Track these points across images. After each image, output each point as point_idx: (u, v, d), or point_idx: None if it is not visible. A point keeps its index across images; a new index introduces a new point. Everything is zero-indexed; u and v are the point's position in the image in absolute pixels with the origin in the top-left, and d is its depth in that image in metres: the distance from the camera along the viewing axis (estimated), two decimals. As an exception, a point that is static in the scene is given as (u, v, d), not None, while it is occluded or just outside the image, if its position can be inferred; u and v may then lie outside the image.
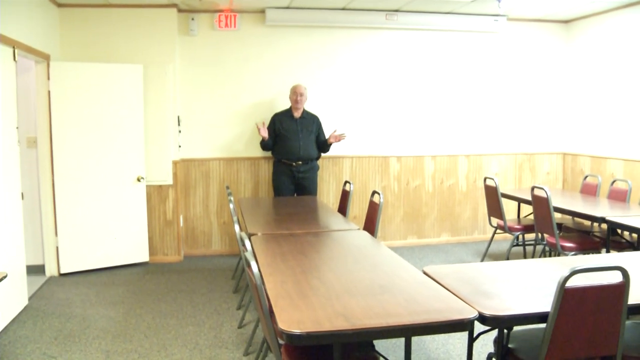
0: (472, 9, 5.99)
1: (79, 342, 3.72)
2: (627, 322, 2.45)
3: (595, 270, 2.18)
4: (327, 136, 5.73)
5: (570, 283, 2.08)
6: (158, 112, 5.63)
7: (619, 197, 5.04)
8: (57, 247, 5.24)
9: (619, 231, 4.55)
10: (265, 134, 5.54)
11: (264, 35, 6.03)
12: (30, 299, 4.56)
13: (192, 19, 5.82)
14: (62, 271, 5.26)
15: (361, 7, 5.92)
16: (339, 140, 5.66)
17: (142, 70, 5.48)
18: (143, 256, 5.66)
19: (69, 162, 5.22)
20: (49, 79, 5.08)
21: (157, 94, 5.61)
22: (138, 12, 5.57)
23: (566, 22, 6.68)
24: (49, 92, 5.10)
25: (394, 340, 3.71)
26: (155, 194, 5.74)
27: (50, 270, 5.26)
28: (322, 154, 5.87)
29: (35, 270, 5.17)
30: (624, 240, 4.63)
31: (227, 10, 5.85)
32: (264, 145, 5.68)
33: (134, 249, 5.60)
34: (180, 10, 5.78)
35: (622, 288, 2.15)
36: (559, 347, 2.15)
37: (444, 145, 6.53)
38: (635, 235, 4.38)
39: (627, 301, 2.16)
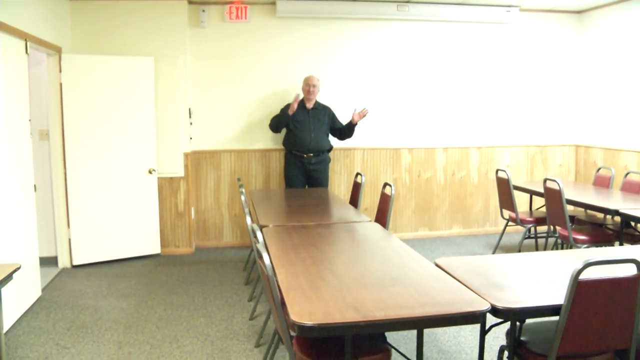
0: (484, -1, 5.95)
1: (92, 333, 3.76)
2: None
3: (609, 262, 2.15)
4: (344, 123, 5.73)
5: (584, 276, 2.06)
6: (169, 104, 5.64)
7: (633, 189, 4.99)
8: (69, 239, 5.29)
9: (632, 224, 4.51)
10: (295, 106, 5.43)
11: (275, 27, 6.01)
12: (43, 290, 4.62)
13: (203, 10, 5.82)
14: (75, 263, 5.30)
15: (372, -2, 5.89)
16: (364, 116, 5.57)
17: (153, 62, 5.49)
18: (154, 248, 5.70)
19: (80, 155, 5.25)
20: (60, 71, 5.11)
21: (168, 86, 5.62)
22: (148, 4, 5.58)
23: (579, 12, 6.60)
24: (60, 84, 5.13)
25: (405, 332, 3.71)
26: (167, 186, 5.77)
27: (63, 262, 5.31)
28: (343, 140, 5.85)
29: (48, 262, 5.23)
30: (637, 233, 4.59)
31: (237, 2, 5.84)
32: (277, 119, 5.56)
33: (146, 241, 5.63)
34: (190, 2, 5.78)
35: (636, 281, 2.12)
36: (572, 340, 2.13)
37: (455, 137, 6.50)
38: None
39: (641, 294, 2.14)
